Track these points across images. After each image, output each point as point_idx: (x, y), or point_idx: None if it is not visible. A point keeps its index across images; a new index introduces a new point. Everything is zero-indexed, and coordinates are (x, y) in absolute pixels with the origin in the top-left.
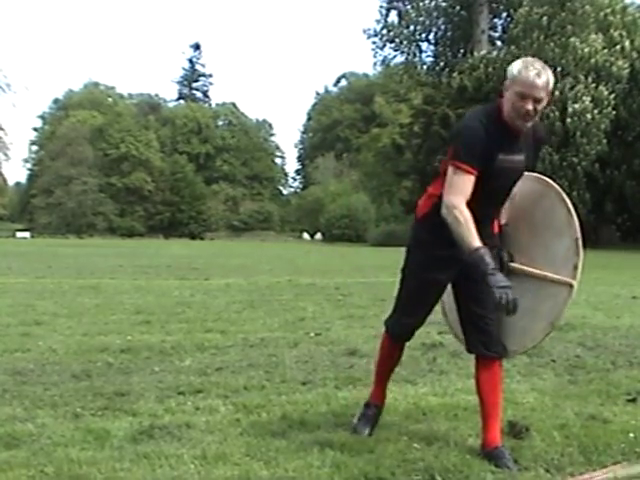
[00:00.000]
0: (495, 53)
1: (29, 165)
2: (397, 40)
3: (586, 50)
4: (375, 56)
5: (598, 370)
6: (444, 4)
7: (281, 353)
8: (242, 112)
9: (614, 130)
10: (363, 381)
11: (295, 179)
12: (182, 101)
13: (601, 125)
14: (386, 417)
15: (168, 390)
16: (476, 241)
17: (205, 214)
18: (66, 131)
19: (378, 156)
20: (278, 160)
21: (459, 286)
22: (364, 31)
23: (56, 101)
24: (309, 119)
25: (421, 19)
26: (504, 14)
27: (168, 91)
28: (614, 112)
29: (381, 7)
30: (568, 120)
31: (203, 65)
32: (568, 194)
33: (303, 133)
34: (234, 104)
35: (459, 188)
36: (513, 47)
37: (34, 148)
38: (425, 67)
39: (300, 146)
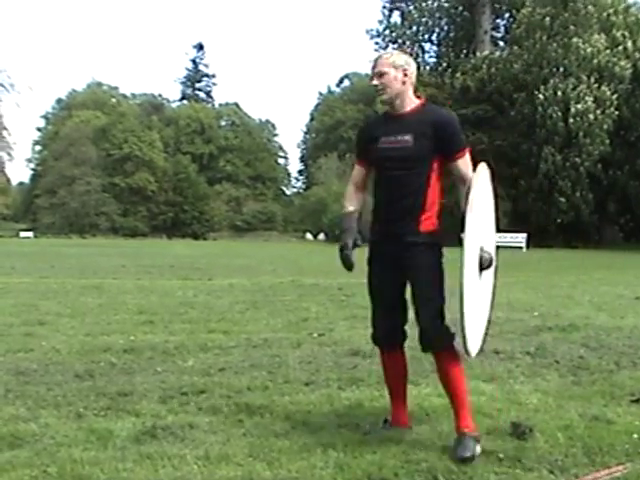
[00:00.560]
0: (498, 53)
1: (32, 165)
2: (400, 40)
3: (589, 50)
4: None
5: (602, 371)
6: (446, 5)
7: (284, 354)
8: (245, 112)
9: (617, 130)
10: (366, 381)
11: (298, 179)
12: (185, 101)
13: (604, 125)
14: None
15: (171, 390)
16: (348, 207)
17: (208, 214)
18: (69, 131)
19: None
20: (281, 160)
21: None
22: (367, 31)
23: (59, 101)
24: (312, 119)
25: (424, 20)
26: (506, 14)
27: (171, 91)
28: (617, 112)
29: (384, 8)
30: (571, 120)
31: (206, 65)
32: (571, 194)
33: (306, 133)
34: (237, 104)
35: (351, 177)
36: (516, 47)
37: (37, 148)
38: (428, 68)
39: (303, 146)
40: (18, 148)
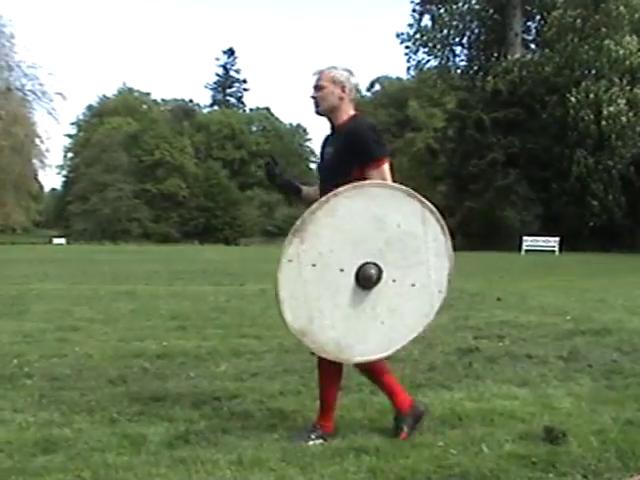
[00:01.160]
0: (529, 56)
1: (64, 172)
2: (430, 44)
3: (621, 52)
4: (409, 60)
5: (635, 375)
6: (477, 7)
7: (316, 358)
8: (276, 117)
9: None
10: None
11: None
12: (216, 107)
13: (636, 127)
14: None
15: (204, 395)
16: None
17: (240, 220)
18: (101, 138)
19: (412, 160)
20: (313, 165)
21: None
22: (397, 35)
23: (90, 108)
24: None
25: (454, 23)
26: (537, 17)
27: (202, 97)
28: None
29: (414, 11)
30: (603, 123)
31: (237, 71)
32: (604, 197)
33: None
34: (268, 109)
35: None
36: (547, 50)
37: (69, 155)
38: (459, 71)
39: None
40: (50, 155)
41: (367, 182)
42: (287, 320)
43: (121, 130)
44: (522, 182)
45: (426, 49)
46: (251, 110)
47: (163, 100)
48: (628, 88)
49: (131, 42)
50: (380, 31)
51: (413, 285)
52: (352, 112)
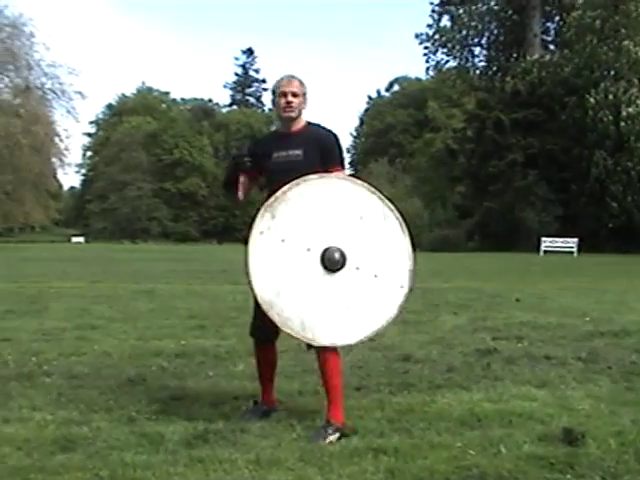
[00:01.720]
0: (548, 57)
1: (84, 171)
2: (450, 44)
3: None
4: (428, 61)
5: None
6: (496, 8)
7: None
8: None
9: None
10: (417, 387)
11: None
12: (235, 106)
13: None
14: (440, 423)
15: (222, 395)
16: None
17: None
18: (120, 137)
19: (431, 161)
20: None
21: None
22: (416, 36)
23: (110, 106)
24: (362, 124)
25: (473, 23)
26: (557, 17)
27: (221, 96)
28: None
29: (433, 12)
30: (622, 124)
31: (256, 70)
32: (623, 198)
33: (356, 138)
34: None
35: None
36: (566, 51)
37: (88, 154)
38: (478, 71)
39: (353, 151)
40: (69, 154)
41: (333, 174)
42: (255, 290)
43: (140, 129)
44: (541, 183)
45: (445, 50)
46: (270, 110)
47: (182, 99)
48: None
49: (151, 41)
50: (399, 31)
51: (376, 276)
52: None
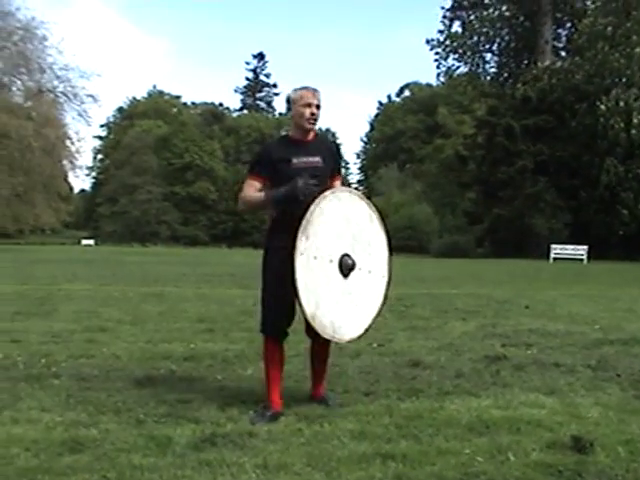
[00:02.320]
0: (559, 64)
1: (94, 174)
2: (461, 50)
3: None
4: (439, 66)
5: None
6: (508, 14)
7: (344, 363)
8: None
9: None
10: (426, 392)
11: (358, 189)
12: (246, 111)
13: None
14: (449, 429)
15: (231, 398)
16: (261, 194)
17: (268, 224)
18: (131, 140)
19: (441, 167)
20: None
21: None
22: (427, 41)
23: (120, 110)
24: (372, 129)
25: (485, 29)
26: (568, 24)
27: (232, 101)
28: None
29: (444, 17)
30: (633, 131)
31: (267, 75)
32: (633, 206)
33: (366, 143)
34: None
35: (246, 191)
36: (577, 57)
37: (99, 157)
38: (489, 78)
39: (363, 156)
40: (80, 156)
41: (337, 187)
42: (304, 306)
43: (151, 133)
44: (551, 190)
45: (456, 55)
46: (280, 114)
47: (193, 103)
48: None
49: (162, 45)
50: (410, 37)
51: (370, 272)
52: None
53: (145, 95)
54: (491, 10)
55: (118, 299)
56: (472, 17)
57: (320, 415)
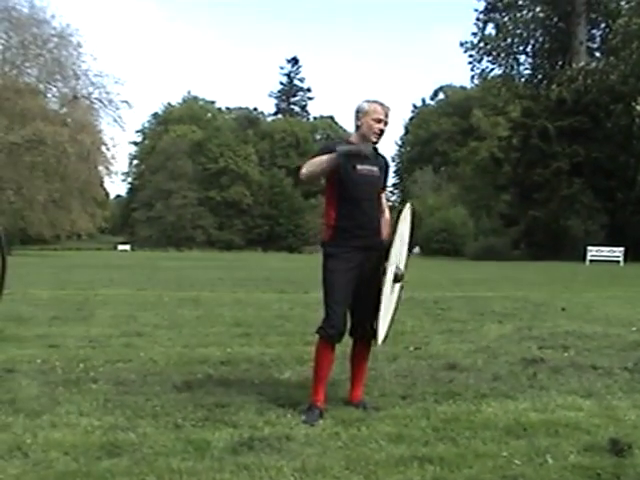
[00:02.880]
0: (594, 64)
1: (130, 179)
2: (494, 53)
3: None
4: (473, 69)
5: None
6: (541, 15)
7: (380, 367)
8: (340, 125)
9: None
10: (463, 395)
11: (393, 193)
12: (280, 115)
13: None
14: (486, 432)
15: (268, 402)
16: (329, 155)
17: (303, 228)
18: (166, 145)
19: (476, 169)
20: None
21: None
22: (461, 44)
23: (156, 115)
24: (407, 132)
25: (518, 31)
26: (602, 25)
27: (266, 105)
28: None
29: (478, 20)
30: None
31: (301, 79)
32: None
33: (400, 146)
34: (332, 117)
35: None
36: (612, 58)
37: (134, 162)
38: (523, 79)
39: (398, 160)
40: (115, 162)
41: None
42: (382, 323)
43: (186, 138)
44: (587, 191)
45: (490, 57)
46: (315, 119)
47: (228, 108)
48: None
49: (197, 51)
50: (444, 39)
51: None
52: None
53: (180, 101)
54: (525, 12)
55: (154, 304)
56: (506, 19)
57: (357, 418)
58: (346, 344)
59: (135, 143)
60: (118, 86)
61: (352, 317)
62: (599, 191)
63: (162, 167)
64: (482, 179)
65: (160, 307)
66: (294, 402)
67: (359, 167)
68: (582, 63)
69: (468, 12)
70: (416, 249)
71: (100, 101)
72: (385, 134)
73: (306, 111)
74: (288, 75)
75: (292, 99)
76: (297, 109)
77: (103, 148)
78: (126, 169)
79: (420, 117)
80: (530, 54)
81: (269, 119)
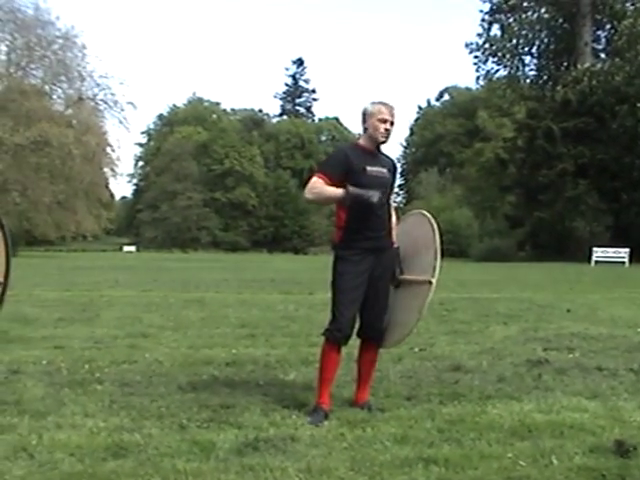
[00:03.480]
0: (599, 65)
1: (135, 180)
2: (500, 54)
3: None
4: (478, 70)
5: None
6: (547, 16)
7: (385, 368)
8: (345, 127)
9: None
10: (468, 397)
11: (398, 194)
12: (285, 117)
13: None
14: (491, 434)
15: (273, 403)
16: (339, 190)
17: (308, 229)
18: (171, 147)
19: (481, 171)
20: None
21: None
22: (466, 45)
23: (161, 117)
24: (412, 133)
25: (524, 32)
26: (608, 26)
27: (272, 106)
28: None
29: (483, 21)
30: None
31: (306, 81)
32: None
33: (406, 148)
34: (337, 119)
35: (313, 183)
36: (617, 59)
37: (140, 164)
38: (528, 80)
39: (403, 161)
40: (121, 163)
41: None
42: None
43: (191, 139)
44: (592, 193)
45: (495, 59)
46: (320, 120)
47: (233, 110)
48: None
49: (201, 52)
50: (449, 41)
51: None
52: None
53: (185, 102)
54: (530, 13)
55: (160, 305)
56: (511, 20)
57: (362, 419)
58: (351, 345)
59: (140, 144)
60: (123, 87)
61: (361, 318)
62: (604, 192)
63: (167, 168)
64: (487, 180)
65: (165, 308)
66: (299, 403)
67: (369, 169)
68: (587, 64)
69: (473, 13)
70: None
71: (105, 102)
72: (392, 133)
73: (311, 112)
74: (293, 76)
75: (297, 100)
76: (302, 110)
77: (108, 149)
78: (131, 170)
79: (425, 118)
80: (535, 55)
81: (274, 120)
